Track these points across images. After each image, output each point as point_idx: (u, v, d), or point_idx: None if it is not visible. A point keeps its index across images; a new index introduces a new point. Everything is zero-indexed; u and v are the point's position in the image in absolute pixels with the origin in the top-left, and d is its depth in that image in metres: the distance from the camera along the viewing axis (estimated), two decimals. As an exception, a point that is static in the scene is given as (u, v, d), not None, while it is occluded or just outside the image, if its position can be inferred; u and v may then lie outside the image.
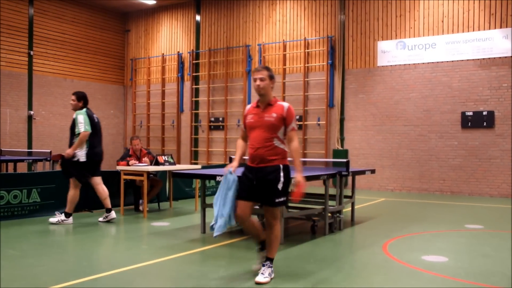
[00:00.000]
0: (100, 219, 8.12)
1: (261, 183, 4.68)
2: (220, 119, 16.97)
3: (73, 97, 7.96)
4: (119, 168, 9.05)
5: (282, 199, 4.69)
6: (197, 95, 17.68)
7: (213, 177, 6.82)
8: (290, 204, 8.35)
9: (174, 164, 9.49)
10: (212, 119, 17.20)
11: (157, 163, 9.15)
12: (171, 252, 5.94)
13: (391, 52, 14.10)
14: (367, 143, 14.41)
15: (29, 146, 15.80)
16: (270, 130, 4.67)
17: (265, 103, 4.77)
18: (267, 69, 4.81)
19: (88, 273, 4.92)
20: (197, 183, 10.11)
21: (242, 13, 16.74)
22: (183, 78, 17.97)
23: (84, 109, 7.90)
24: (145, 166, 8.92)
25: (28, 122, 16.02)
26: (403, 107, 13.86)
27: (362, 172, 8.69)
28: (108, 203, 8.05)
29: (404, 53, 13.91)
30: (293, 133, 4.72)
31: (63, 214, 7.92)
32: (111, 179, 9.64)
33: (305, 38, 15.40)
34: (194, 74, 17.69)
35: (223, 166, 12.37)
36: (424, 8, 13.65)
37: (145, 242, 6.94)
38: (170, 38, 18.50)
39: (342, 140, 14.77)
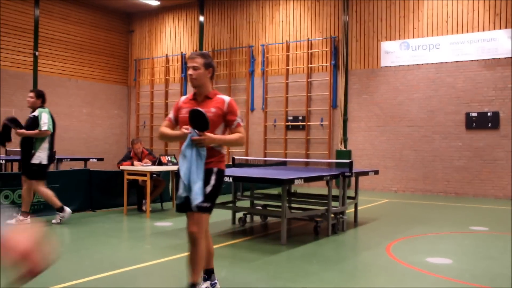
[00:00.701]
0: (55, 221, 7.79)
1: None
2: (224, 119, 16.98)
3: (32, 94, 7.73)
4: (122, 168, 9.06)
5: (207, 204, 3.85)
6: (200, 96, 17.68)
7: (216, 177, 6.84)
8: (292, 205, 8.34)
9: (177, 164, 9.49)
10: (216, 119, 17.20)
11: (160, 163, 9.17)
12: (174, 252, 5.93)
13: (394, 52, 14.07)
14: (371, 144, 14.38)
15: (33, 146, 15.83)
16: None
17: (202, 96, 4.11)
18: (203, 56, 4.08)
19: (91, 273, 4.92)
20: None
21: (245, 13, 16.74)
22: (187, 78, 17.96)
23: (47, 109, 7.73)
24: (148, 167, 8.93)
25: (32, 122, 16.06)
26: (407, 107, 13.82)
27: (366, 173, 8.67)
28: (57, 201, 7.73)
29: (408, 54, 13.88)
30: (239, 128, 4.06)
31: (58, 213, 7.84)
32: (114, 179, 9.65)
33: (308, 38, 15.39)
34: (197, 74, 17.68)
35: (227, 166, 12.36)
36: (428, 8, 13.62)
37: (148, 241, 6.94)
38: (173, 39, 18.51)
39: (345, 140, 14.74)
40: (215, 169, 4.00)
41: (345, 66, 14.75)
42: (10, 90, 15.50)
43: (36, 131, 7.47)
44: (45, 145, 7.56)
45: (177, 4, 18.20)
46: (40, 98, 7.71)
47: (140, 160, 9.45)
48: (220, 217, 8.38)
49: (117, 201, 9.50)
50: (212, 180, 3.93)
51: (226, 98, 4.13)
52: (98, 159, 12.72)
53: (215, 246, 6.30)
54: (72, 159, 12.59)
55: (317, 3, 15.38)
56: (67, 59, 17.28)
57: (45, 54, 16.59)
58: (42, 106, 7.70)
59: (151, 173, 8.78)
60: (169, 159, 9.34)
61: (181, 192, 3.85)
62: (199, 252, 3.90)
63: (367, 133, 14.45)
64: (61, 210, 7.74)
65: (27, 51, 16.05)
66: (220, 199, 9.11)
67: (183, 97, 4.28)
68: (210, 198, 3.91)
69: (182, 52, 18.07)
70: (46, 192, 7.65)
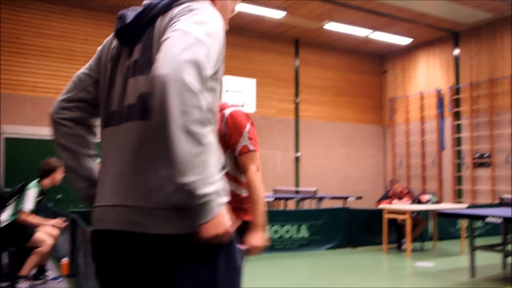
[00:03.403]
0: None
1: None
2: (486, 155, 15.83)
3: None
4: (381, 206, 9.21)
5: None
6: (458, 131, 16.87)
7: (483, 217, 6.49)
8: None
9: (437, 203, 9.24)
10: (477, 155, 16.15)
11: (419, 202, 9.05)
12: (438, 294, 5.76)
13: None
14: None
15: (297, 185, 17.12)
16: None
17: None
18: None
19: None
20: (462, 224, 9.60)
21: (505, 42, 15.56)
22: (443, 114, 17.39)
23: None
24: (408, 205, 8.89)
25: (295, 163, 17.40)
26: None
27: None
28: None
29: None
30: (245, 157, 2.66)
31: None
32: (373, 217, 9.84)
33: None
34: (454, 110, 16.97)
35: (491, 206, 11.50)
36: None
37: (409, 282, 6.87)
38: (427, 75, 18.19)
39: None
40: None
41: None
42: (275, 134, 17.15)
43: None
44: None
45: (430, 40, 17.91)
46: None
47: (399, 199, 9.48)
48: (488, 261, 7.81)
49: (376, 239, 9.63)
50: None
51: (227, 111, 2.74)
52: (357, 198, 13.10)
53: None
54: (332, 198, 13.23)
55: None
56: (324, 103, 18.42)
57: (305, 100, 17.97)
58: None
59: (411, 211, 8.71)
60: (429, 198, 9.14)
61: None
62: None
63: None
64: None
65: (289, 98, 17.62)
66: (488, 241, 8.51)
67: None
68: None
69: (437, 88, 17.62)
70: None
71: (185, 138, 1.29)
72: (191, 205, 1.36)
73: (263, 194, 2.62)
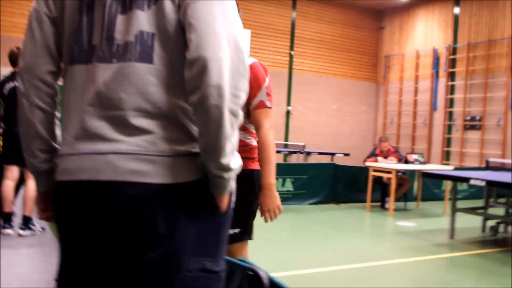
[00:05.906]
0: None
1: None
2: (477, 118, 15.76)
3: None
4: (367, 164, 9.18)
5: (236, 230, 2.53)
6: (452, 92, 16.73)
7: (466, 179, 6.48)
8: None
9: (424, 163, 9.21)
10: (468, 117, 16.08)
11: (406, 161, 9.02)
12: (416, 254, 5.79)
13: None
14: None
15: (286, 139, 17.07)
16: None
17: None
18: None
19: (334, 263, 5.14)
20: (447, 185, 9.62)
21: (508, 1, 15.22)
22: (438, 74, 17.21)
23: None
24: (394, 164, 8.86)
25: (286, 117, 17.29)
26: None
27: None
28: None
29: None
30: (260, 113, 2.60)
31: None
32: (359, 174, 9.83)
33: None
34: (450, 70, 16.78)
35: (477, 169, 11.52)
36: None
37: (389, 240, 6.90)
38: (425, 34, 17.88)
39: None
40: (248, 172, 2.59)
41: None
42: (268, 87, 16.96)
43: None
44: None
45: (431, -3, 17.51)
46: None
47: (385, 157, 9.44)
48: (469, 224, 7.85)
49: (360, 197, 9.65)
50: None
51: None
52: (345, 154, 13.08)
53: (462, 253, 5.95)
54: (320, 153, 13.19)
55: None
56: (319, 57, 18.14)
57: (300, 53, 17.68)
58: None
59: (397, 171, 8.68)
60: (416, 158, 9.11)
61: None
62: None
63: None
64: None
65: (284, 51, 17.33)
66: (471, 204, 8.54)
67: None
68: (241, 220, 2.52)
69: (433, 47, 17.36)
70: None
71: (230, 121, 1.29)
72: (216, 176, 1.36)
73: (275, 154, 2.59)
